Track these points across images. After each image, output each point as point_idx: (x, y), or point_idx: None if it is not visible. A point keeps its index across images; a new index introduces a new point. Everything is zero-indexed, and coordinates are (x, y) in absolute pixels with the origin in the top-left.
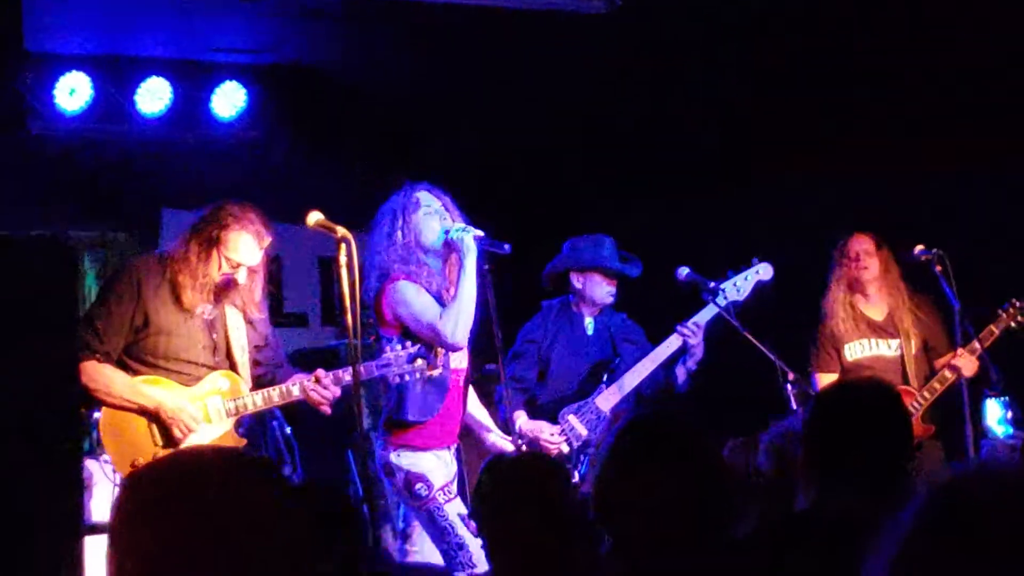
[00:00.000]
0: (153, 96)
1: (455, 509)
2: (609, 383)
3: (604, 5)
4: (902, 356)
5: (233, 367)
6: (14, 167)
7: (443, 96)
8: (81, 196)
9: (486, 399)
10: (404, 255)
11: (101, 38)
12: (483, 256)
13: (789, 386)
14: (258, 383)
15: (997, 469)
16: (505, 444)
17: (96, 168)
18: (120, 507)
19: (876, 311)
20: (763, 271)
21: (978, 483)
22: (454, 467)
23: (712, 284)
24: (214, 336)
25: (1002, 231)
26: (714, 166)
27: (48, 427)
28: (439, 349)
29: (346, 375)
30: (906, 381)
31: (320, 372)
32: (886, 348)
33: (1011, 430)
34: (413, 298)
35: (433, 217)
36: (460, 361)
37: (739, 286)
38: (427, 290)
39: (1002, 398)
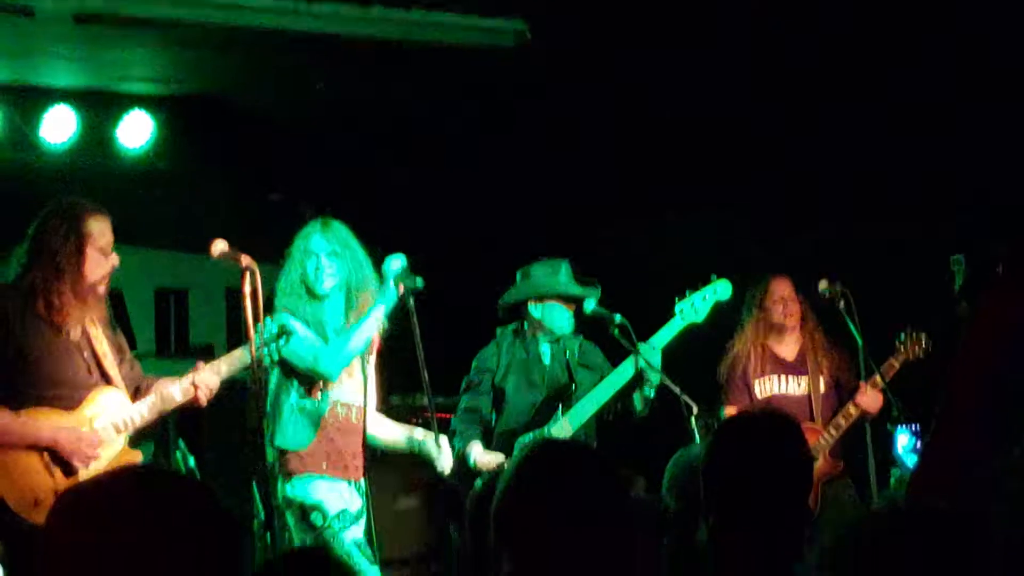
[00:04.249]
0: (58, 125)
1: (350, 536)
2: (565, 411)
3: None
4: (809, 394)
5: (109, 382)
6: None
7: (352, 128)
8: None
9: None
10: (296, 290)
11: (8, 66)
12: (407, 294)
13: (693, 420)
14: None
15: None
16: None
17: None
18: (48, 535)
19: (786, 350)
20: (721, 290)
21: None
22: (357, 501)
23: (618, 318)
24: (85, 355)
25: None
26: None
27: None
28: (319, 382)
29: (222, 364)
30: (812, 419)
31: (200, 363)
32: (795, 386)
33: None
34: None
35: (332, 258)
36: (350, 396)
37: (697, 307)
38: (309, 327)
39: (911, 426)
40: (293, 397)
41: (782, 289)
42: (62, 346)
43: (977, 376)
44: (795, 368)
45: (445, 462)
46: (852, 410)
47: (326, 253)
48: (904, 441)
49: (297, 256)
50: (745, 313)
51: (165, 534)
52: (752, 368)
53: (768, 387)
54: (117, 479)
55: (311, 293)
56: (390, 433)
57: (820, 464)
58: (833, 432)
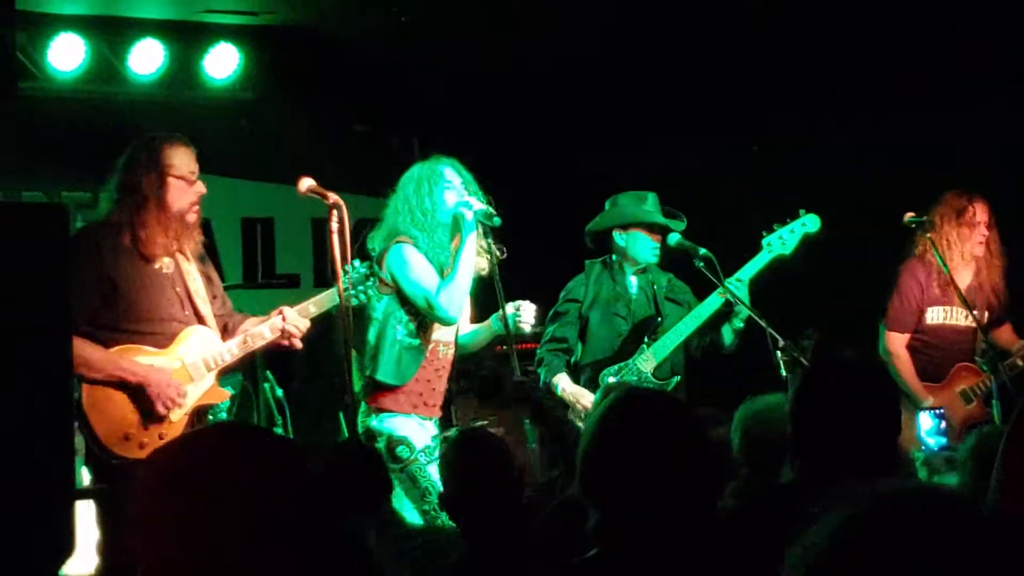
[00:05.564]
0: (146, 57)
1: (434, 470)
2: (651, 344)
3: None
4: (975, 328)
5: (200, 320)
6: (6, 128)
7: (439, 58)
8: (73, 157)
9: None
10: (419, 223)
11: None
12: (486, 232)
13: (779, 352)
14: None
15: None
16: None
17: (88, 129)
18: (142, 489)
19: (961, 276)
20: (810, 223)
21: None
22: (433, 433)
23: (703, 251)
24: (177, 290)
25: None
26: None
27: (42, 394)
28: (430, 322)
29: (311, 306)
30: (974, 354)
31: (285, 308)
32: (963, 318)
33: (944, 441)
34: (414, 264)
35: (451, 192)
36: (446, 334)
37: (785, 239)
38: (430, 261)
39: (935, 411)
40: (400, 333)
41: (984, 215)
42: (155, 280)
43: None
44: (966, 299)
45: (526, 316)
46: (1019, 362)
47: (464, 186)
48: (927, 424)
49: (434, 188)
50: (938, 228)
51: (258, 498)
52: (931, 292)
53: (940, 316)
54: (201, 444)
55: (443, 225)
56: (477, 336)
57: (973, 407)
58: (990, 381)
